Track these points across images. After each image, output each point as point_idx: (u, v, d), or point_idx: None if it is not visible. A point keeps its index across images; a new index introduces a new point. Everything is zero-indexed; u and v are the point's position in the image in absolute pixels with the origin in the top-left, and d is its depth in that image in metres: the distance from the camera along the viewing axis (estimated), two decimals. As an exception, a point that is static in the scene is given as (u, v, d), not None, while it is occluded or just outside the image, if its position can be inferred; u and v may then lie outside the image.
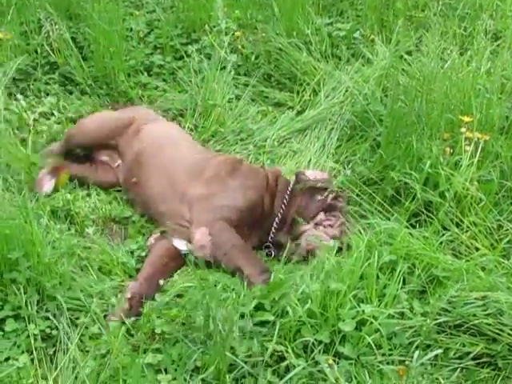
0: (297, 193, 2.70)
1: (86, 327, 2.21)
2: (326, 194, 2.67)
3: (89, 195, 2.87)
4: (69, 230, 2.62)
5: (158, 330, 2.16)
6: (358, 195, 2.81)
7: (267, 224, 2.67)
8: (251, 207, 2.64)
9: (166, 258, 2.55)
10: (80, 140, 3.05)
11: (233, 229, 2.54)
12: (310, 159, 3.19)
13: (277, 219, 2.67)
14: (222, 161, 2.83)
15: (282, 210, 2.67)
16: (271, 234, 2.67)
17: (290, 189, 2.72)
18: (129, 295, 2.32)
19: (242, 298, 2.18)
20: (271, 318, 2.11)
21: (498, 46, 3.61)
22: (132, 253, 2.63)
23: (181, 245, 2.60)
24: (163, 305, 2.29)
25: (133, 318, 2.25)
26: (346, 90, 3.48)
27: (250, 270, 2.41)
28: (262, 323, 2.14)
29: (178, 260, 2.58)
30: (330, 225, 2.61)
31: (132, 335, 2.21)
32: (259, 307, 2.17)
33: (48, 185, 2.85)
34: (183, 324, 2.18)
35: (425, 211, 2.67)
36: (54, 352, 2.16)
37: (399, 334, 2.16)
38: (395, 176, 2.75)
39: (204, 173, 2.74)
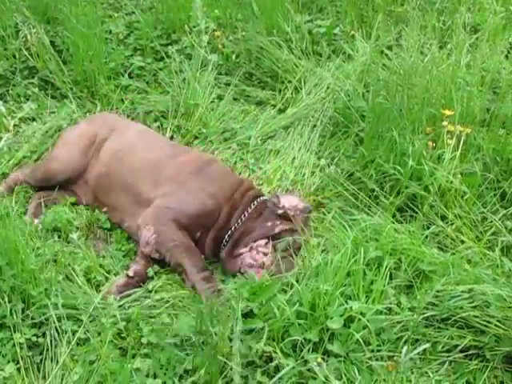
0: (254, 213, 2.61)
1: (74, 334, 2.19)
2: (278, 223, 2.55)
3: (72, 202, 2.85)
4: (52, 236, 2.59)
5: (144, 340, 2.16)
6: (342, 191, 2.81)
7: (221, 236, 2.60)
8: (203, 214, 2.58)
9: None
10: (62, 174, 2.87)
11: (180, 230, 2.53)
12: (294, 157, 3.19)
13: (228, 233, 2.59)
14: (189, 160, 2.78)
15: (235, 226, 2.59)
16: (221, 247, 2.59)
17: (252, 206, 2.63)
18: (131, 273, 2.46)
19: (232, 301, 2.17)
20: (261, 324, 2.10)
21: (476, 38, 3.64)
22: (117, 257, 2.62)
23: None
24: (152, 308, 2.30)
25: (126, 292, 2.38)
26: (328, 87, 3.48)
27: (189, 268, 2.45)
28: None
29: None
30: (263, 252, 2.51)
31: (123, 338, 2.19)
32: (248, 312, 2.16)
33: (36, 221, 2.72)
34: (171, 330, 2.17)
35: (410, 205, 2.68)
36: (41, 360, 2.14)
37: (387, 330, 2.16)
38: (379, 171, 2.75)
39: (163, 173, 2.70)
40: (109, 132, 2.93)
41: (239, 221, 2.60)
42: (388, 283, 2.26)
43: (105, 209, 2.79)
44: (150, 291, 2.43)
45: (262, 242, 2.54)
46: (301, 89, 3.53)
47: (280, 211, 2.56)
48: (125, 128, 2.99)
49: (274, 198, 2.63)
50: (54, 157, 2.93)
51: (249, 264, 2.49)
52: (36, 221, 2.70)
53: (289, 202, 2.60)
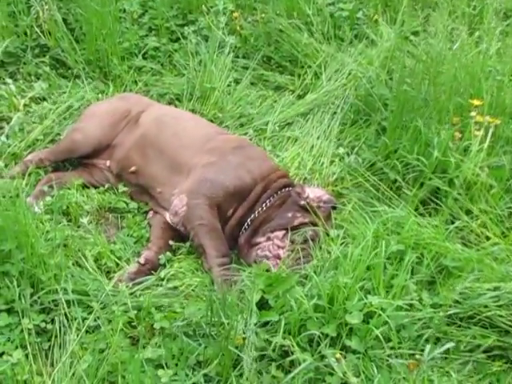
0: (278, 201, 2.55)
1: (83, 321, 2.13)
2: (298, 215, 2.49)
3: (83, 185, 2.79)
4: (62, 221, 2.54)
5: (156, 326, 2.11)
6: (363, 182, 2.75)
7: (245, 218, 2.54)
8: (239, 189, 2.53)
9: (170, 231, 2.57)
10: (86, 146, 2.85)
11: (211, 208, 2.49)
12: (313, 145, 3.11)
13: (251, 217, 2.53)
14: (230, 138, 2.84)
15: (259, 210, 2.53)
16: (242, 231, 2.54)
17: (278, 193, 2.57)
18: (142, 261, 2.42)
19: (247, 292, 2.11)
20: (277, 317, 2.04)
21: (508, 25, 3.56)
22: (128, 243, 2.55)
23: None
24: (164, 296, 2.25)
25: (138, 280, 2.32)
26: (349, 73, 3.39)
27: (210, 250, 2.42)
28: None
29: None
30: (278, 245, 2.44)
31: (134, 327, 2.14)
32: (263, 304, 2.09)
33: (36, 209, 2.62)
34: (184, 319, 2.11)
35: (433, 198, 2.61)
36: (50, 347, 2.09)
37: (408, 327, 2.10)
38: (402, 162, 2.68)
39: (208, 144, 2.69)
40: (144, 107, 2.93)
41: (263, 205, 2.54)
42: (409, 278, 2.19)
43: (133, 168, 2.73)
44: (162, 279, 2.37)
45: (280, 233, 2.47)
46: (321, 74, 3.45)
47: (302, 202, 2.49)
48: (161, 105, 3.06)
49: (298, 188, 2.56)
50: (81, 127, 2.90)
51: (264, 256, 2.43)
52: (36, 207, 2.60)
53: (314, 192, 2.54)
